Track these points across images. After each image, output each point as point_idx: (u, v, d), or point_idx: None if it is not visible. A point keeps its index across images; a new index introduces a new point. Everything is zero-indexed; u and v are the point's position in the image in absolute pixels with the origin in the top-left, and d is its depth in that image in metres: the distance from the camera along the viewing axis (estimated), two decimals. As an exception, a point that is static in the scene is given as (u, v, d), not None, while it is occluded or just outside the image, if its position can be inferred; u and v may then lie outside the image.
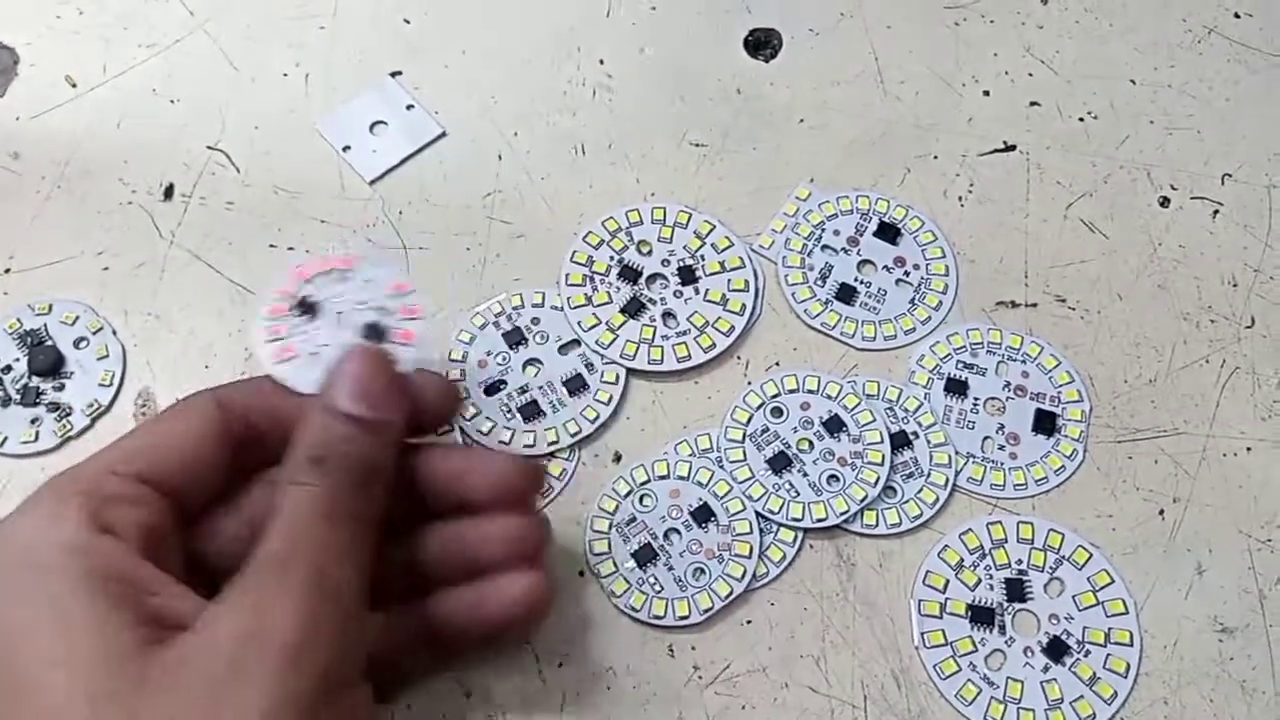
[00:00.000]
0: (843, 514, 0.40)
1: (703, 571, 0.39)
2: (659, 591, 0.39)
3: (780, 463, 0.41)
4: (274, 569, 0.29)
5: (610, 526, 0.40)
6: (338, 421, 0.32)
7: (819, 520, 0.40)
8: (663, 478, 0.41)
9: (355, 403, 0.32)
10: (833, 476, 0.41)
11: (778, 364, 0.43)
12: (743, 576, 0.39)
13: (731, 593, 0.39)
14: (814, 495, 0.40)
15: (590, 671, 0.38)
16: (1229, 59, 0.50)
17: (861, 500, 0.40)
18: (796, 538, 0.40)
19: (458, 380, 0.42)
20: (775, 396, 0.42)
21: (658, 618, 0.39)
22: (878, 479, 0.40)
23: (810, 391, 0.42)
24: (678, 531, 0.40)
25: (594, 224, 0.46)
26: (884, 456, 0.41)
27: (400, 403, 0.33)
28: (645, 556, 0.40)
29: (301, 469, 0.31)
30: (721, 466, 0.41)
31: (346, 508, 0.31)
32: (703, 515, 0.40)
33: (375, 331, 0.36)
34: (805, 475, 0.41)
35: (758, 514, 0.40)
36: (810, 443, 0.41)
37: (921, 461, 0.42)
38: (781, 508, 0.40)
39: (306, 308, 0.36)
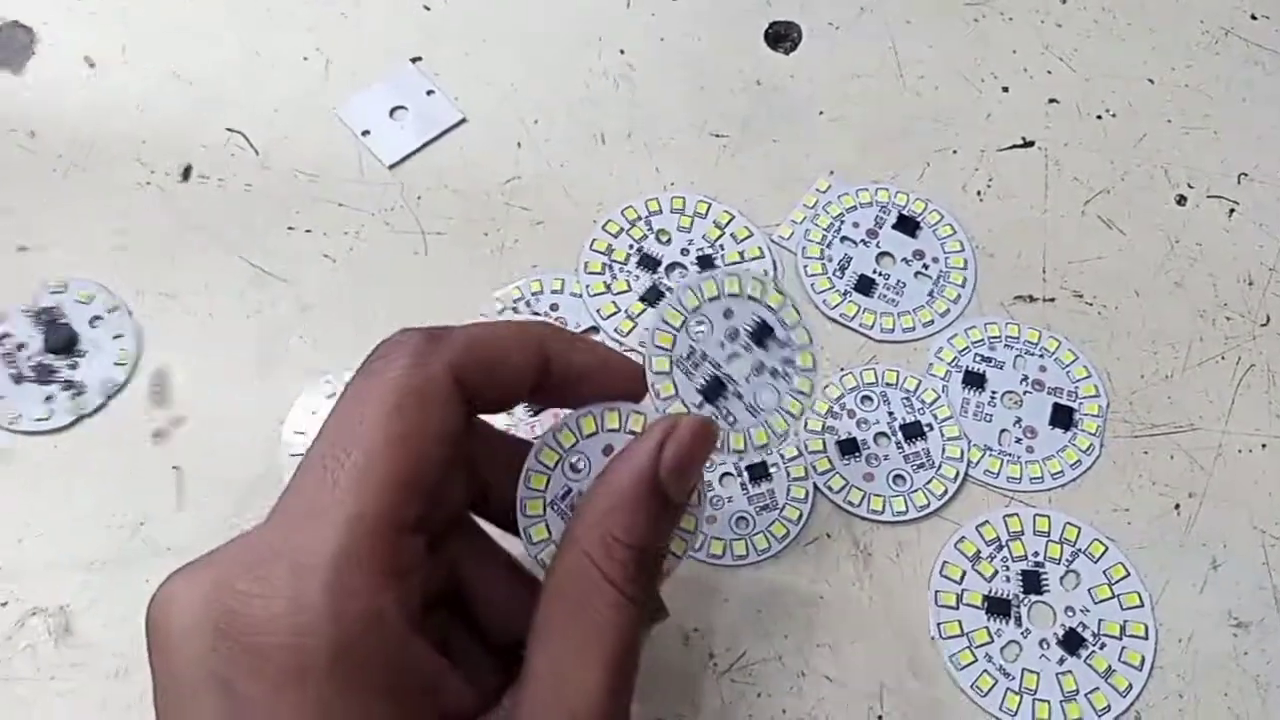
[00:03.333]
0: (782, 434, 0.33)
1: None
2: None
3: (715, 390, 0.32)
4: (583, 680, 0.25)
5: (544, 507, 0.35)
6: (660, 511, 0.27)
7: (760, 446, 0.33)
8: (590, 435, 0.32)
9: (680, 487, 0.28)
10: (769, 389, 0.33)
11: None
12: (694, 528, 0.32)
13: (686, 549, 0.32)
14: (752, 418, 0.32)
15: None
16: (1245, 60, 0.51)
17: (799, 414, 0.33)
18: (801, 515, 0.40)
19: None
20: (697, 309, 0.32)
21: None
22: (811, 386, 0.33)
23: (732, 295, 0.33)
24: None
25: (614, 212, 0.46)
26: (814, 359, 0.33)
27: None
28: None
29: (620, 564, 0.26)
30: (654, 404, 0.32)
31: (645, 618, 0.27)
32: None
33: None
34: (740, 398, 0.32)
35: None
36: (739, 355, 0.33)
37: (934, 453, 0.42)
38: (721, 443, 0.32)
39: None
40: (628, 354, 0.32)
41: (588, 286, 0.44)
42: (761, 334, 0.33)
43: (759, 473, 0.41)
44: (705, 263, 0.45)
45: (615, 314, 0.44)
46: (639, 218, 0.46)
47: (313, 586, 0.23)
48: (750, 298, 0.33)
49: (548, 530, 0.31)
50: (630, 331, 0.43)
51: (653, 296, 0.44)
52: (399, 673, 0.24)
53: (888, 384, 0.43)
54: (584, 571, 0.26)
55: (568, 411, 0.31)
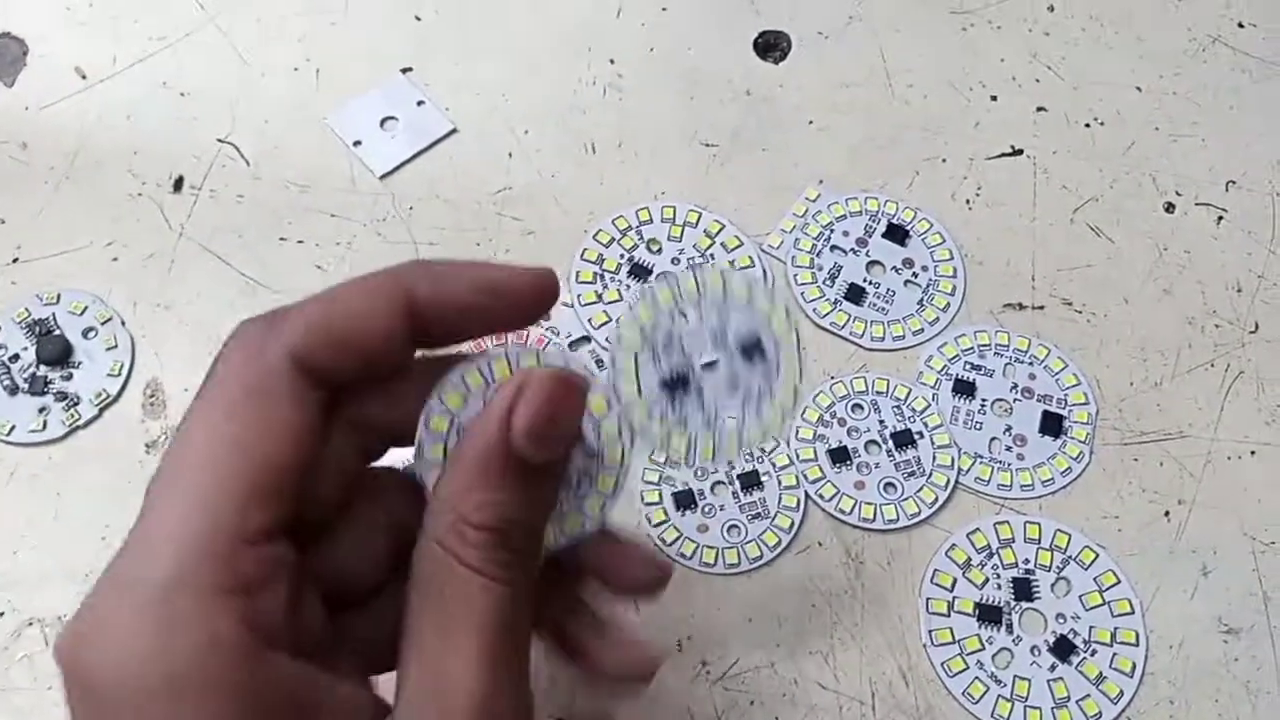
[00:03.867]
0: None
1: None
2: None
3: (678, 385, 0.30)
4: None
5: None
6: (516, 483, 0.25)
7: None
8: None
9: (543, 450, 0.25)
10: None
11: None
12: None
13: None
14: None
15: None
16: (1233, 67, 0.51)
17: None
18: (793, 524, 0.40)
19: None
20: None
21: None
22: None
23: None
24: None
25: (604, 222, 0.46)
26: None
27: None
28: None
29: (476, 548, 0.24)
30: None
31: (524, 588, 0.25)
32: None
33: None
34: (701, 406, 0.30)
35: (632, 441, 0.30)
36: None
37: (924, 461, 0.42)
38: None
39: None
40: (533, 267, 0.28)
41: (579, 296, 0.44)
42: (750, 349, 0.30)
43: (750, 481, 0.41)
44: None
45: (607, 323, 0.44)
46: (630, 227, 0.46)
47: (144, 617, 0.22)
48: (755, 307, 0.30)
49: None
50: (622, 341, 0.43)
51: (644, 306, 0.44)
52: (251, 695, 0.22)
53: (878, 392, 0.43)
54: (438, 561, 0.24)
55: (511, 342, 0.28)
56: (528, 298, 0.27)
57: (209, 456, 0.23)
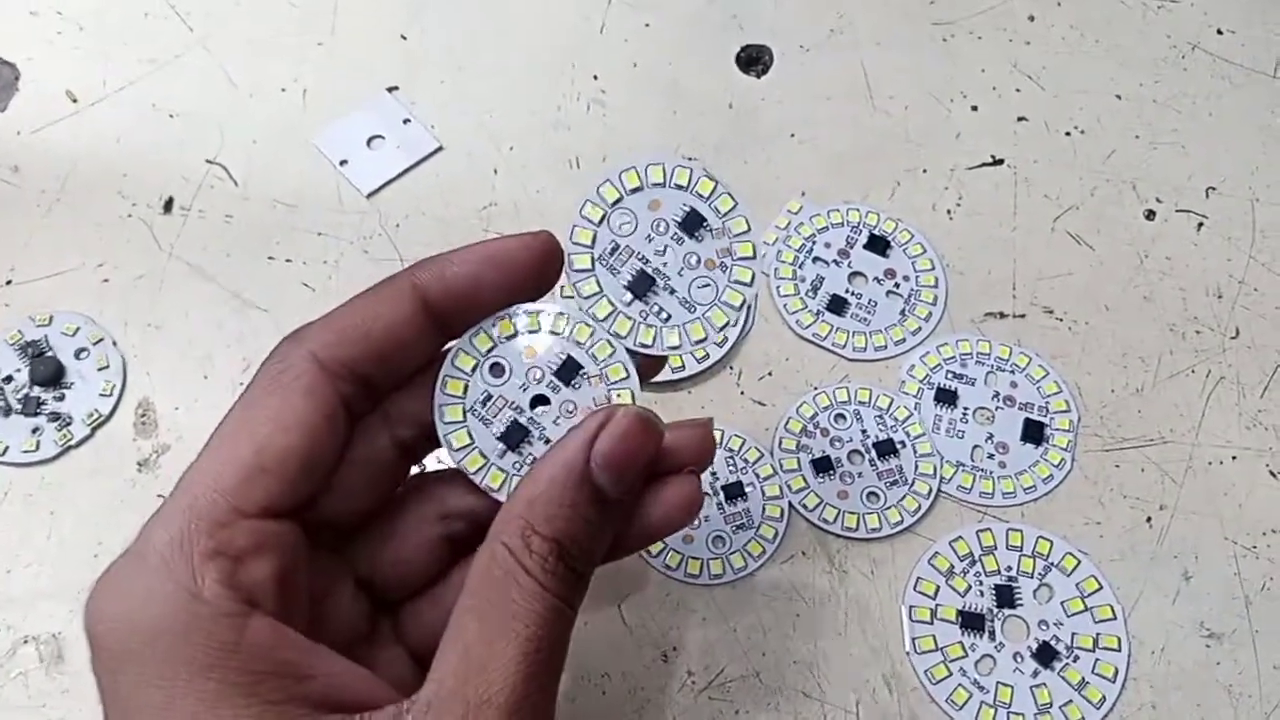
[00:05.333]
0: (721, 328, 0.31)
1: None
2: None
3: (644, 285, 0.31)
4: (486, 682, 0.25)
5: (464, 413, 0.31)
6: (587, 505, 0.27)
7: (697, 340, 0.31)
8: (510, 338, 0.31)
9: (616, 482, 0.27)
10: (705, 284, 0.31)
11: (770, 374, 0.44)
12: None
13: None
14: (688, 314, 0.31)
15: (585, 677, 0.39)
16: (1212, 74, 0.51)
17: (740, 305, 0.31)
18: (777, 534, 0.41)
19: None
20: (618, 203, 0.31)
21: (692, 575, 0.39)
22: (751, 276, 0.31)
23: (656, 185, 0.32)
24: (545, 398, 0.30)
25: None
26: (754, 248, 0.31)
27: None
28: (516, 437, 0.31)
29: (538, 556, 0.26)
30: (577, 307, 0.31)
31: (571, 611, 0.27)
32: (569, 371, 0.30)
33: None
34: (673, 292, 0.31)
35: (629, 352, 0.31)
36: (670, 249, 0.31)
37: (906, 470, 0.42)
38: (654, 339, 0.30)
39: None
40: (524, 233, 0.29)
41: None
42: (693, 224, 0.31)
43: (735, 492, 0.42)
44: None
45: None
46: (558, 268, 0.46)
47: (140, 574, 0.24)
48: (677, 186, 0.31)
49: (470, 436, 0.30)
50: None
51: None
52: (227, 651, 0.24)
53: (860, 402, 0.43)
54: (499, 560, 0.26)
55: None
56: (529, 263, 0.29)
57: (222, 440, 0.26)
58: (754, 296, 0.33)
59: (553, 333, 0.31)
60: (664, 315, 0.31)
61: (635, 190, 0.32)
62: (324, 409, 0.27)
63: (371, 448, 0.29)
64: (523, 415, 0.31)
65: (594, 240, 0.31)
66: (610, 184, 0.31)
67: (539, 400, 0.31)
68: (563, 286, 0.31)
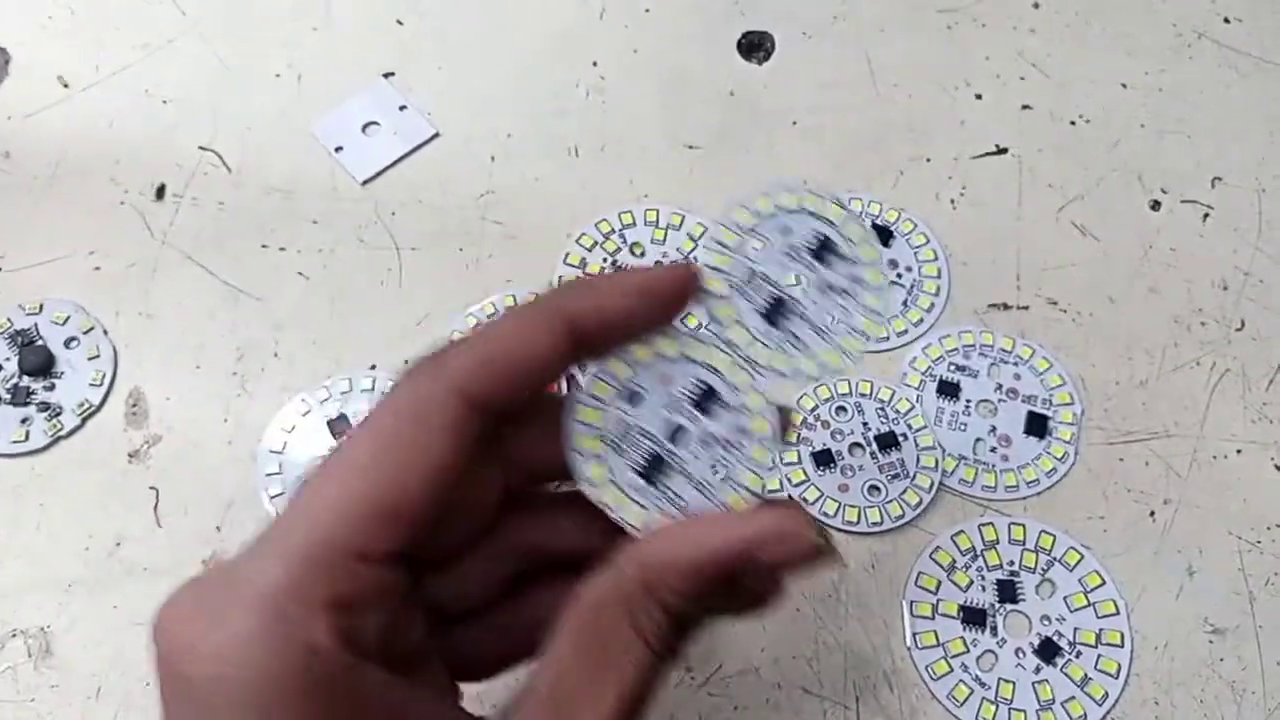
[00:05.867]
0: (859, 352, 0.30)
1: (725, 468, 0.33)
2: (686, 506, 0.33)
3: (777, 310, 0.30)
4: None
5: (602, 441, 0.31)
6: (718, 592, 0.25)
7: (836, 370, 0.31)
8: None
9: (758, 585, 0.26)
10: (842, 308, 0.31)
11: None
12: (771, 463, 0.31)
13: (764, 487, 0.30)
14: (822, 342, 0.30)
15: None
16: (1218, 63, 0.51)
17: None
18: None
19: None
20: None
21: None
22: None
23: (790, 212, 0.31)
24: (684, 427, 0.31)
25: (588, 226, 0.46)
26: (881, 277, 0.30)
27: None
28: (654, 468, 0.31)
29: (655, 623, 0.25)
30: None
31: (668, 670, 0.26)
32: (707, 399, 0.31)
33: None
34: (805, 320, 0.30)
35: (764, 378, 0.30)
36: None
37: (908, 463, 0.42)
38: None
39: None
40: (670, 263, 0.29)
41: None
42: (823, 251, 0.31)
43: (888, 442, 0.42)
44: (680, 275, 0.45)
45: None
46: (613, 230, 0.46)
47: (249, 616, 0.22)
48: (809, 212, 0.31)
49: (607, 469, 0.29)
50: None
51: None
52: (343, 705, 0.23)
53: (862, 395, 0.43)
54: (617, 613, 0.25)
55: None
56: (674, 294, 0.28)
57: (350, 472, 0.24)
58: (888, 323, 0.34)
59: (689, 359, 0.30)
60: (800, 342, 0.30)
61: (769, 216, 0.31)
62: (463, 450, 0.25)
63: (481, 488, 0.28)
64: (661, 447, 0.30)
65: (730, 266, 0.30)
66: (744, 209, 0.30)
67: (677, 430, 0.30)
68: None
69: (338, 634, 0.23)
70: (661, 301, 0.28)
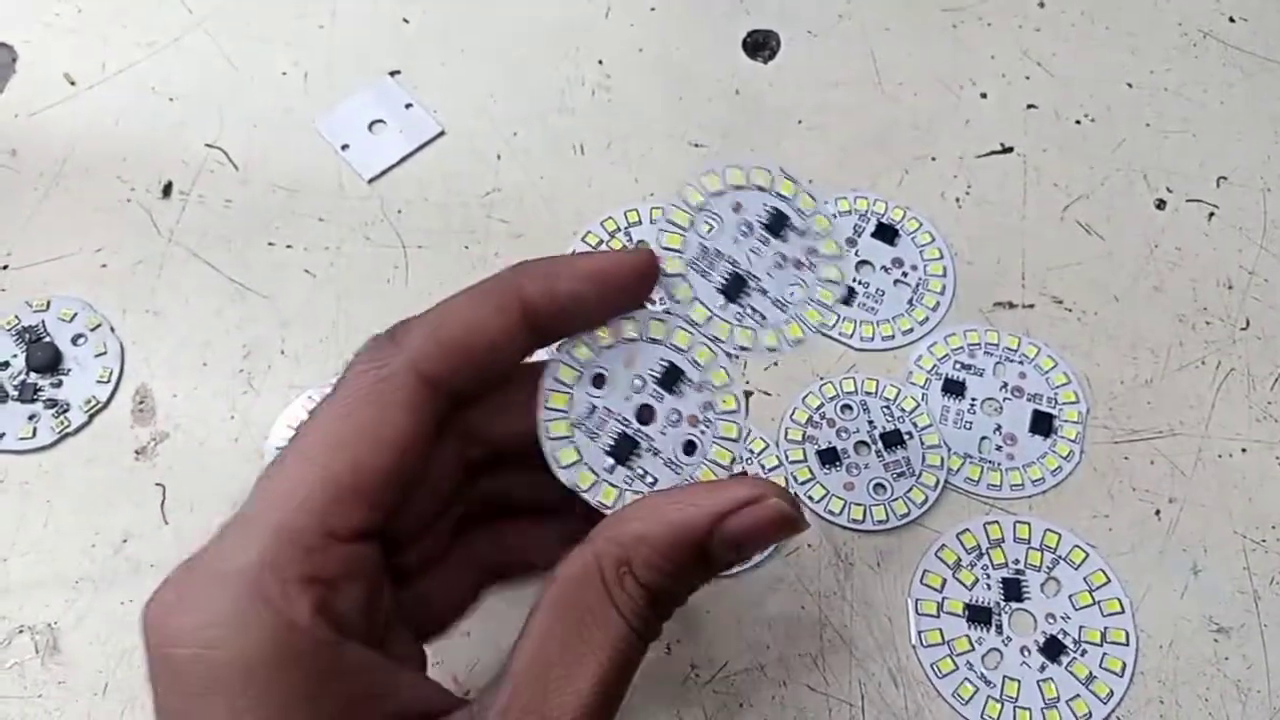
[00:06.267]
0: (818, 325, 0.32)
1: (693, 445, 0.31)
2: (654, 485, 0.30)
3: (736, 286, 0.31)
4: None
5: (570, 427, 0.30)
6: (693, 566, 0.26)
7: (795, 340, 0.31)
8: (607, 348, 0.30)
9: (732, 557, 0.26)
10: (795, 284, 0.31)
11: (776, 364, 0.44)
12: (738, 437, 0.31)
13: (734, 459, 0.31)
14: (781, 314, 0.31)
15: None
16: (1224, 63, 0.51)
17: (834, 302, 0.32)
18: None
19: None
20: (701, 208, 0.31)
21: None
22: (842, 274, 0.32)
23: (737, 188, 0.32)
24: (649, 406, 0.31)
25: (593, 224, 0.46)
26: (839, 246, 0.32)
27: None
28: (624, 451, 0.30)
29: (630, 597, 0.25)
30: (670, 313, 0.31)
31: (645, 647, 0.26)
32: (671, 378, 0.31)
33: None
34: (765, 293, 0.31)
35: (729, 355, 0.31)
36: (758, 252, 0.31)
37: (914, 461, 0.42)
38: (753, 341, 0.31)
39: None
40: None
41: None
42: (778, 225, 0.31)
43: (893, 440, 0.42)
44: (685, 273, 0.44)
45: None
46: (619, 229, 0.46)
47: (226, 597, 0.23)
48: (759, 188, 0.32)
49: (577, 452, 0.29)
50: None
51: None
52: (323, 680, 0.23)
53: (867, 393, 0.43)
54: (591, 584, 0.25)
55: None
56: (631, 281, 0.28)
57: (314, 454, 0.25)
58: (844, 293, 0.34)
59: (652, 340, 0.30)
60: (759, 316, 0.31)
61: (717, 193, 0.31)
62: (422, 427, 0.26)
63: (443, 466, 0.28)
64: (629, 426, 0.30)
65: (683, 244, 0.31)
66: (692, 188, 0.31)
67: (644, 409, 0.30)
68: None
69: (315, 610, 0.23)
70: (618, 288, 0.28)
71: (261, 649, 0.23)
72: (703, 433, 0.31)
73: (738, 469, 0.31)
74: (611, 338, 0.30)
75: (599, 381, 0.30)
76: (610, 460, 0.30)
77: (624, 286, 0.28)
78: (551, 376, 0.29)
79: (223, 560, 0.24)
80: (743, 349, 0.31)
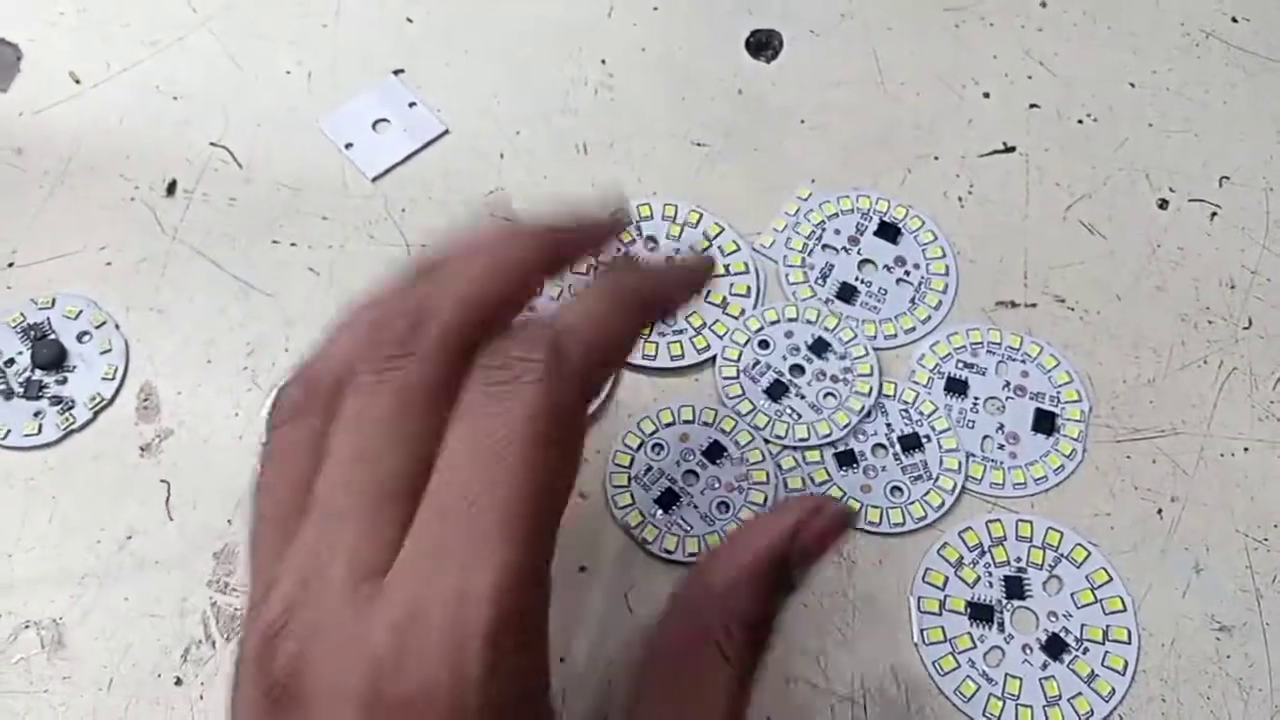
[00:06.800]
0: (845, 426, 0.42)
1: (726, 505, 0.41)
2: (689, 531, 0.40)
3: (777, 391, 0.43)
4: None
5: (630, 480, 0.41)
6: (776, 589, 0.27)
7: (824, 436, 0.42)
8: (669, 425, 0.42)
9: (805, 572, 0.28)
10: (829, 394, 0.43)
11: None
12: (765, 502, 0.41)
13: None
14: (815, 415, 0.42)
15: (591, 667, 0.38)
16: (1226, 63, 0.51)
17: (860, 411, 0.42)
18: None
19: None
20: (759, 330, 0.44)
21: (693, 555, 0.40)
22: (870, 389, 0.43)
23: (791, 320, 0.44)
24: (694, 473, 0.41)
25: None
26: (872, 367, 0.43)
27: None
28: (668, 501, 0.41)
29: (738, 647, 0.26)
30: (723, 404, 0.42)
31: (750, 683, 0.27)
32: (715, 452, 0.41)
33: None
34: (803, 398, 0.42)
35: (765, 441, 0.42)
36: (801, 368, 0.43)
37: (931, 465, 0.42)
38: (787, 431, 0.42)
39: None
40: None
41: (570, 286, 0.44)
42: (820, 347, 0.43)
43: (911, 444, 0.42)
44: (688, 272, 0.45)
45: (598, 323, 0.44)
46: (630, 221, 0.46)
47: (470, 649, 0.21)
48: (807, 321, 0.44)
49: (631, 498, 0.40)
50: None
51: (635, 306, 0.44)
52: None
53: (886, 396, 0.43)
54: (703, 643, 0.26)
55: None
56: (707, 281, 0.32)
57: (522, 485, 0.23)
58: (872, 404, 0.42)
59: (704, 423, 0.42)
60: (795, 414, 0.42)
61: (774, 323, 0.44)
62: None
63: None
64: (675, 484, 0.41)
65: (739, 357, 0.43)
66: (755, 317, 0.44)
67: (689, 474, 0.41)
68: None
69: (541, 668, 0.23)
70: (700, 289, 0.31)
71: (505, 707, 0.22)
72: (736, 497, 0.41)
73: None
74: (672, 418, 0.42)
75: (657, 449, 0.41)
76: (657, 508, 0.40)
77: (701, 285, 0.31)
78: (620, 440, 0.41)
79: (451, 604, 0.22)
80: (778, 437, 0.42)
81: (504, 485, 0.22)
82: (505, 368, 0.24)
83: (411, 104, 0.49)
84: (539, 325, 0.25)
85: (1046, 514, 0.41)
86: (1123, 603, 0.39)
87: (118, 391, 0.43)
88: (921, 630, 0.39)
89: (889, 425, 0.42)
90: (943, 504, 0.41)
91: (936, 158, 0.48)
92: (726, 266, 0.45)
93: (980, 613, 0.39)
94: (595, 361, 0.25)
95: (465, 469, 0.22)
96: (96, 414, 0.43)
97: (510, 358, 0.24)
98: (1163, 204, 0.47)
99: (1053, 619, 0.39)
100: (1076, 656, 0.39)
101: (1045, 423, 0.43)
